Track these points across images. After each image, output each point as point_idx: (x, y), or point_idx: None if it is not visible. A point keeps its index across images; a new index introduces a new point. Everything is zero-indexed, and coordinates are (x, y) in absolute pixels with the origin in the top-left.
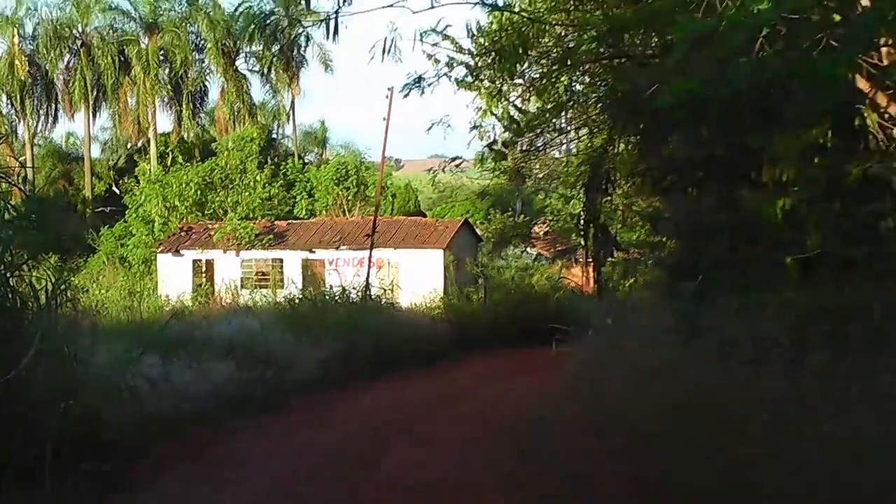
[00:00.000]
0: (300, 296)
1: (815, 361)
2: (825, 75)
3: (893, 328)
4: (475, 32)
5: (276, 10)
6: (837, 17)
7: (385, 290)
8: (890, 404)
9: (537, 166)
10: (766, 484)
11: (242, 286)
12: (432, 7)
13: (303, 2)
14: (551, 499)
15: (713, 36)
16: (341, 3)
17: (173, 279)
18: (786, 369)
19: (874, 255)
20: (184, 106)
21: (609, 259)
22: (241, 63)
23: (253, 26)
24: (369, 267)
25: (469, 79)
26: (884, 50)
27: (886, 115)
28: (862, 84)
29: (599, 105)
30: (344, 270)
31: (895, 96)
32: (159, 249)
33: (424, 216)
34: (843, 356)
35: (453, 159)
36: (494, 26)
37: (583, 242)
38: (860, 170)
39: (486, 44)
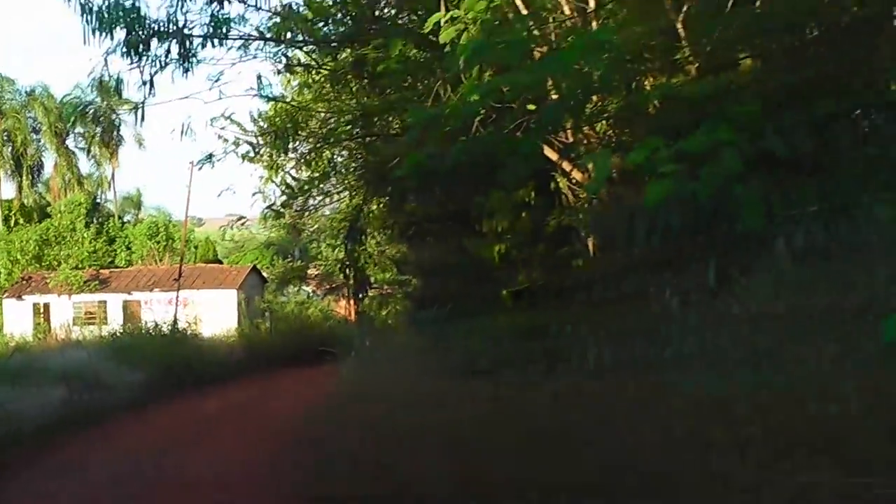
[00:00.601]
0: (121, 331)
1: (518, 373)
2: (524, 150)
3: (582, 342)
4: (256, 118)
5: (97, 98)
6: (532, 107)
7: (190, 324)
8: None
9: (310, 222)
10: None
11: (74, 324)
12: (220, 98)
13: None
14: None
15: (439, 119)
16: (146, 95)
17: (16, 321)
18: (498, 377)
19: (569, 285)
20: (24, 177)
21: (367, 294)
22: (70, 141)
23: (78, 113)
24: (177, 305)
25: (252, 154)
26: (568, 131)
27: (573, 180)
28: (554, 156)
29: (356, 173)
30: (157, 309)
31: (578, 165)
32: (4, 296)
33: (221, 263)
34: (547, 366)
35: (239, 219)
36: (271, 112)
37: (346, 281)
38: (556, 221)
39: (265, 126)
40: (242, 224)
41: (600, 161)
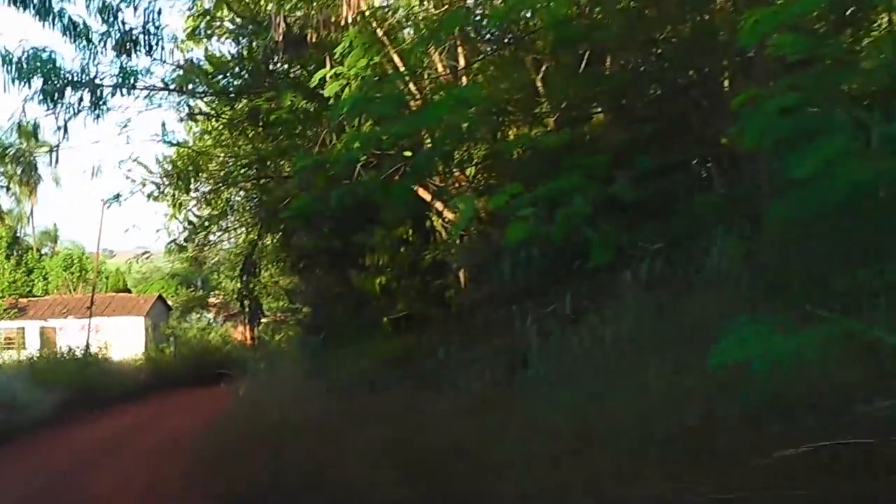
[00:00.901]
0: (38, 355)
1: (396, 391)
2: (399, 194)
3: (454, 364)
4: (160, 160)
5: (17, 141)
6: (409, 153)
7: (101, 349)
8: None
9: (210, 255)
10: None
11: None
12: (128, 143)
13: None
14: None
15: (324, 165)
16: (61, 139)
17: None
18: (377, 395)
19: (442, 314)
20: None
21: (261, 321)
22: None
23: None
24: (90, 331)
25: (157, 193)
26: (441, 175)
27: (446, 219)
28: (428, 197)
29: (251, 212)
30: (71, 334)
31: (449, 206)
32: None
33: (130, 292)
34: (422, 386)
35: (144, 253)
36: (175, 156)
37: (243, 309)
38: (431, 256)
39: (169, 168)
40: (147, 258)
41: (465, 204)
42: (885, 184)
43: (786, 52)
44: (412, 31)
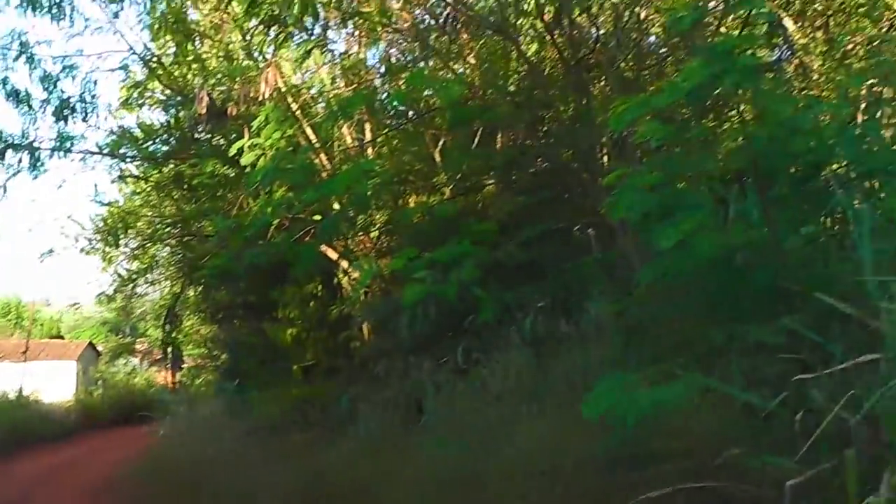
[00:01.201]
0: None
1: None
2: (307, 255)
3: (357, 410)
4: (93, 218)
5: None
6: (318, 217)
7: (35, 391)
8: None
9: (137, 305)
10: None
11: None
12: (64, 203)
13: None
14: None
15: (239, 227)
16: (0, 198)
17: None
18: (286, 437)
19: (348, 363)
20: None
21: (183, 366)
22: None
23: None
24: (24, 375)
25: (89, 248)
26: (344, 239)
27: (351, 277)
28: (335, 256)
29: (175, 266)
30: (6, 379)
31: (354, 266)
32: None
33: (63, 339)
34: (327, 429)
35: (74, 304)
36: (106, 214)
37: (166, 356)
38: (338, 310)
39: (101, 225)
40: (77, 308)
41: (365, 266)
42: (739, 253)
43: (649, 138)
44: (324, 106)
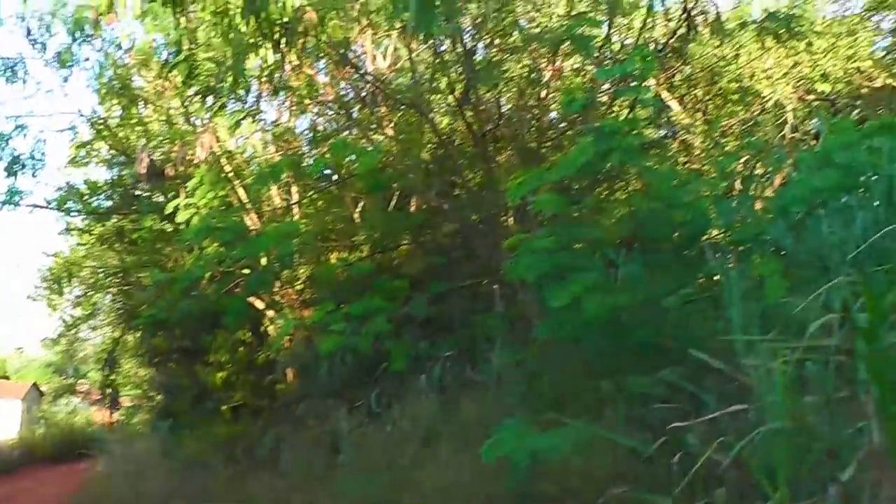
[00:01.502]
0: None
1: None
2: (235, 306)
3: (279, 449)
4: (39, 268)
5: None
6: (247, 271)
7: None
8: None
9: (80, 348)
10: None
11: None
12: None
13: None
14: None
15: (174, 280)
16: None
17: None
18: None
19: (272, 405)
20: None
21: (121, 406)
22: None
23: None
24: None
25: (35, 295)
26: (270, 292)
27: (276, 326)
28: (262, 306)
29: (116, 313)
30: None
31: (280, 313)
32: None
33: (9, 379)
34: (250, 465)
35: (18, 348)
36: (52, 264)
37: (106, 396)
38: (265, 355)
39: (47, 274)
40: (21, 352)
41: (285, 320)
42: (625, 312)
43: (543, 209)
44: (255, 170)
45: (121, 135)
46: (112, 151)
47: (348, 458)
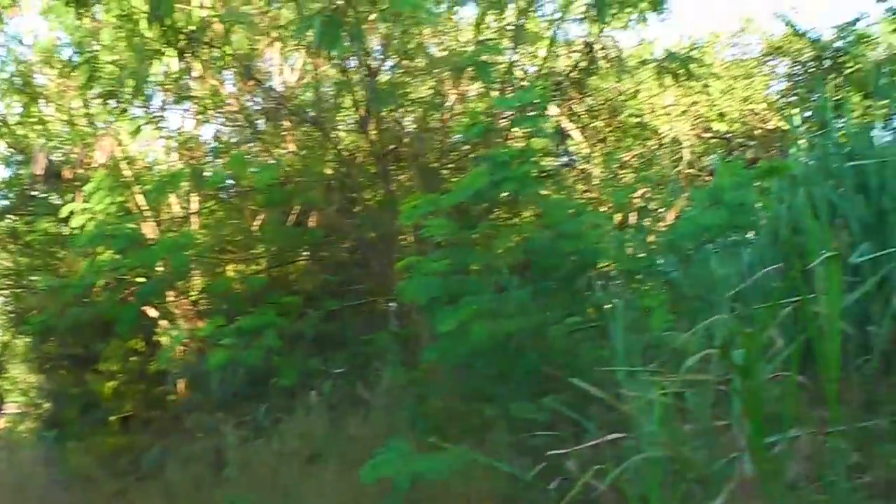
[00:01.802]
0: None
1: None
2: (127, 314)
3: (167, 460)
4: None
5: None
6: (142, 279)
7: None
8: None
9: None
10: None
11: None
12: None
13: None
14: None
15: (66, 286)
16: None
17: None
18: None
19: (162, 416)
20: None
21: (6, 414)
22: None
23: None
24: None
25: None
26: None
27: (166, 333)
28: (156, 315)
29: (7, 316)
30: None
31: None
32: None
33: None
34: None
35: None
36: None
37: None
38: (156, 366)
39: None
40: None
41: (175, 333)
42: (513, 339)
43: (434, 234)
44: (156, 177)
45: (20, 133)
46: (10, 150)
47: (234, 473)
